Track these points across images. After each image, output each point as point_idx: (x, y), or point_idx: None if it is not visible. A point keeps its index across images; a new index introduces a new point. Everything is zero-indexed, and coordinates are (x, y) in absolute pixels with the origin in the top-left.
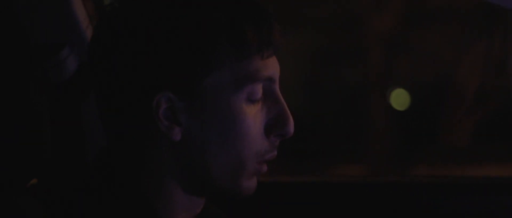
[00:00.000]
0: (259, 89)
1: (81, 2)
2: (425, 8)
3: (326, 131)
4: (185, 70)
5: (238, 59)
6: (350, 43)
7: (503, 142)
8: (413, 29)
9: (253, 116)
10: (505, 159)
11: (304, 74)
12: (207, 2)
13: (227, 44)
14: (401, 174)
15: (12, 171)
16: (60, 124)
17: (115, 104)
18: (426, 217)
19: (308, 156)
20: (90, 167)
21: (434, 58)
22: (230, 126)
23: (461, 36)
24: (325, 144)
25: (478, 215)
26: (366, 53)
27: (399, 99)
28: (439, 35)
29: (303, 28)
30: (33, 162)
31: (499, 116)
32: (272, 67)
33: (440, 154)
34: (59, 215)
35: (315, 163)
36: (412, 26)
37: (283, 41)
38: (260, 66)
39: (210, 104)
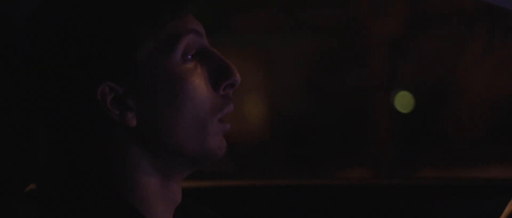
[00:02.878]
0: (189, 45)
1: None
2: (428, 10)
3: (330, 135)
4: (112, 55)
5: (157, 27)
6: (353, 47)
7: (508, 144)
8: (416, 32)
9: (195, 75)
10: (511, 161)
11: (307, 78)
12: None
13: (141, 16)
14: (406, 177)
15: (10, 176)
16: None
17: (62, 109)
18: None
19: (313, 160)
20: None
21: (438, 61)
22: (177, 90)
23: (464, 38)
24: (329, 148)
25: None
26: (369, 57)
27: (403, 101)
28: (442, 37)
29: (306, 33)
30: (31, 167)
31: (503, 118)
32: (192, 22)
33: (445, 156)
34: None
35: (319, 167)
36: (415, 29)
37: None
38: (180, 24)
39: (150, 78)
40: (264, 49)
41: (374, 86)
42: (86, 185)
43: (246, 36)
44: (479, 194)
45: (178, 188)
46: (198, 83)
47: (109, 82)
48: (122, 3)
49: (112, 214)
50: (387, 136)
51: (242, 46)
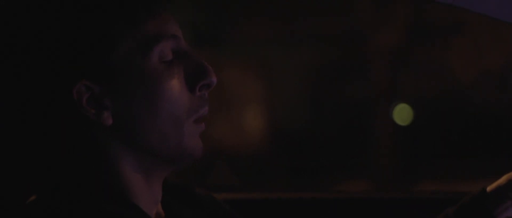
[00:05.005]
0: (167, 49)
1: None
2: (428, 23)
3: (329, 147)
4: (89, 54)
5: (133, 26)
6: (354, 58)
7: (508, 157)
8: (416, 44)
9: (171, 75)
10: None
11: (307, 90)
12: None
13: (117, 16)
14: (405, 190)
15: (11, 188)
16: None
17: (39, 110)
18: None
19: (312, 172)
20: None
21: (438, 73)
22: (152, 90)
23: (464, 51)
24: (328, 160)
25: None
26: (369, 69)
27: (402, 114)
28: (442, 50)
29: (306, 44)
30: (33, 177)
31: (504, 132)
32: (170, 25)
33: (445, 169)
34: None
35: (319, 179)
36: (415, 41)
37: None
38: (158, 26)
39: (126, 77)
40: (264, 60)
41: (374, 98)
42: (78, 187)
43: (246, 47)
44: None
45: (159, 187)
46: (174, 83)
47: (85, 81)
48: (98, 3)
49: (113, 212)
50: (387, 149)
51: (242, 57)
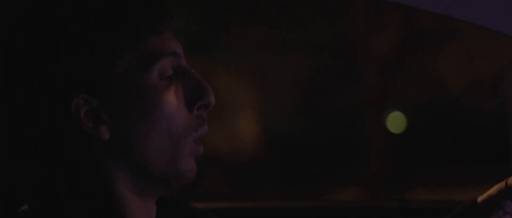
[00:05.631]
0: (167, 66)
1: None
2: (421, 30)
3: (322, 155)
4: (89, 68)
5: (135, 42)
6: (347, 66)
7: (500, 164)
8: (409, 51)
9: (170, 93)
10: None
11: (300, 97)
12: None
13: (119, 31)
14: (398, 198)
15: (3, 197)
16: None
17: (37, 121)
18: None
19: (305, 180)
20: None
21: (430, 81)
22: (150, 106)
23: (457, 58)
24: (321, 168)
25: None
26: (362, 76)
27: (396, 122)
28: (435, 57)
29: (299, 51)
30: (25, 187)
31: (495, 137)
32: (171, 42)
33: (437, 176)
34: None
35: (311, 187)
36: (408, 48)
37: (172, 14)
38: (159, 43)
39: (125, 93)
40: (257, 67)
41: (367, 106)
42: (72, 200)
43: (239, 54)
44: None
45: (153, 204)
46: (172, 101)
47: (84, 95)
48: (100, 17)
49: None
50: (380, 157)
51: (235, 64)
